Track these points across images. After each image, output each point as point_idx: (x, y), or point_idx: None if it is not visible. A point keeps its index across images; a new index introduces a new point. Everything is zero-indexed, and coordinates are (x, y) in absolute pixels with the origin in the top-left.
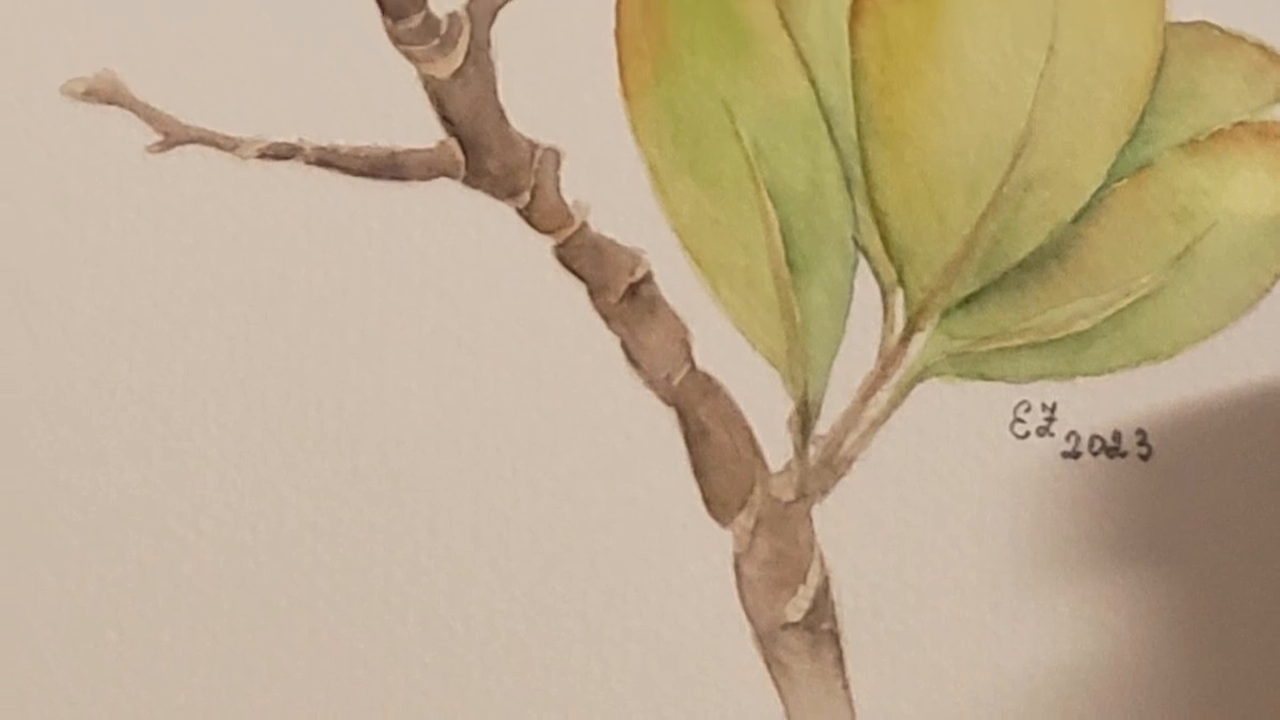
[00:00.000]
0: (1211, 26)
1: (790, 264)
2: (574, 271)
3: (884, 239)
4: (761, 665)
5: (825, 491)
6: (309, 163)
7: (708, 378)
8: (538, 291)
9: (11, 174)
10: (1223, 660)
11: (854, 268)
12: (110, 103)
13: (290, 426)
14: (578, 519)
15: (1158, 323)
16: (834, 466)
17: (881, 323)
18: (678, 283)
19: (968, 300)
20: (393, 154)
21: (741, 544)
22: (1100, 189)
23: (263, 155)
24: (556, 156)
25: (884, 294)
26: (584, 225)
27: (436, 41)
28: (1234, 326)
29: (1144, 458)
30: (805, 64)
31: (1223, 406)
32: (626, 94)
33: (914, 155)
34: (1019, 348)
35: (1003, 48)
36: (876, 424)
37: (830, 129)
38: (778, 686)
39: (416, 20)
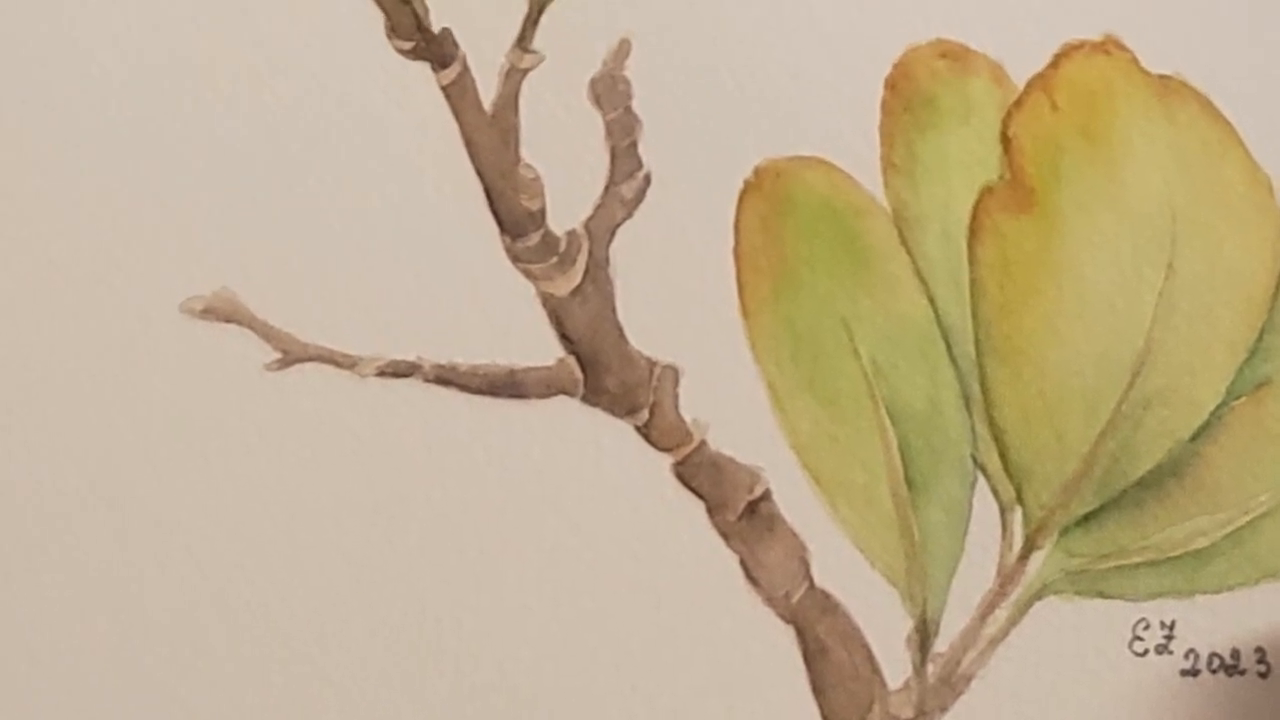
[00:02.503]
0: None
1: (909, 482)
2: (692, 489)
3: (1003, 457)
4: None
5: (944, 709)
6: (428, 380)
7: (826, 595)
8: (656, 509)
9: (131, 392)
10: None
11: (972, 485)
12: (229, 320)
13: (410, 644)
14: None
15: (1277, 540)
16: (953, 684)
17: (1000, 540)
18: (796, 500)
19: (1086, 518)
20: (511, 372)
21: None
22: (1219, 407)
23: (382, 373)
24: (675, 374)
25: (1002, 511)
26: (703, 443)
27: (555, 259)
28: None
29: (1262, 675)
30: (924, 282)
31: None
32: (745, 311)
33: (1032, 373)
34: (1138, 565)
35: (1121, 266)
36: (995, 641)
37: (949, 347)
38: None
39: (535, 238)
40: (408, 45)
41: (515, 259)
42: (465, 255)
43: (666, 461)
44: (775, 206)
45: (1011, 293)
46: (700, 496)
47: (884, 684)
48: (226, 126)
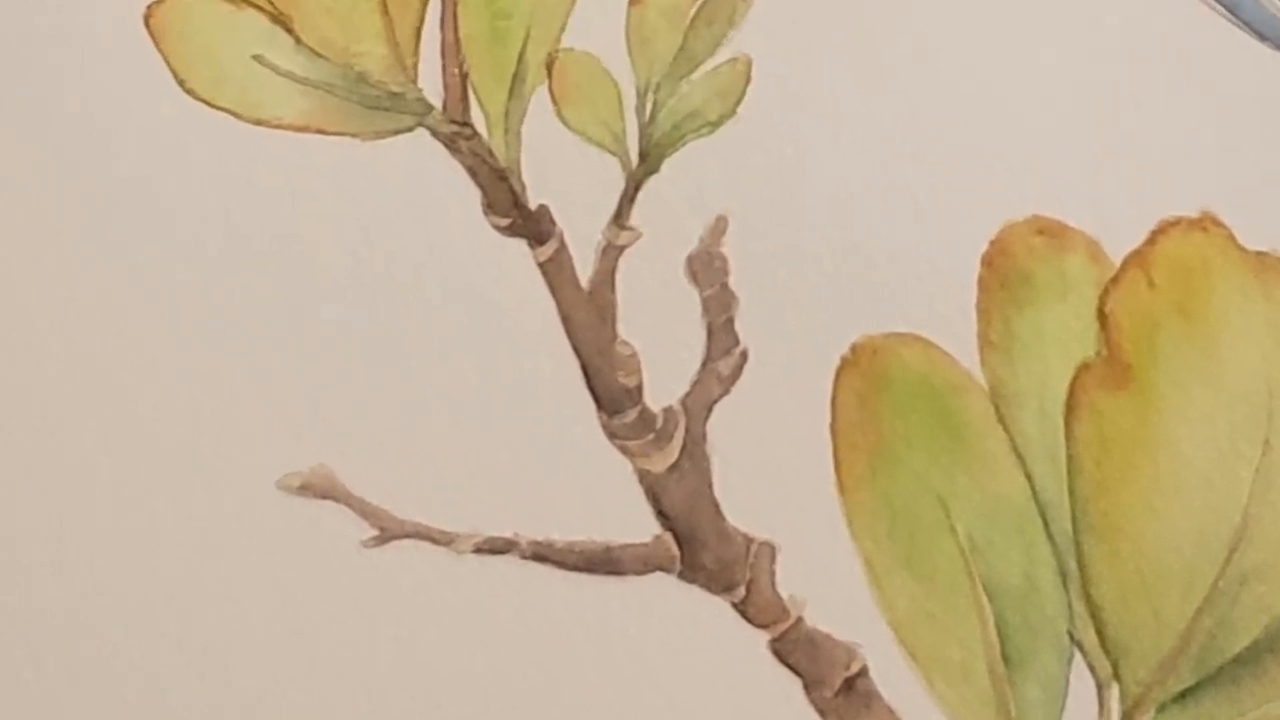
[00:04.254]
0: None
1: (1005, 658)
2: (789, 666)
3: (1099, 633)
4: None
5: None
6: (524, 557)
7: None
8: (753, 686)
9: (228, 568)
10: None
11: (1069, 662)
12: (326, 497)
13: None
14: None
15: None
16: None
17: (1097, 717)
18: (893, 677)
19: (1183, 695)
20: (608, 549)
21: None
22: None
23: (478, 550)
24: (772, 551)
25: (1099, 688)
26: (799, 620)
27: (652, 436)
28: None
29: None
30: (1021, 458)
31: None
32: (842, 488)
33: (1129, 550)
34: None
35: (1217, 442)
36: None
37: (1046, 523)
38: None
39: (632, 415)
40: (505, 222)
41: (612, 435)
42: (562, 431)
43: (763, 638)
44: (872, 383)
45: (1108, 469)
46: (797, 673)
47: None
48: (325, 303)
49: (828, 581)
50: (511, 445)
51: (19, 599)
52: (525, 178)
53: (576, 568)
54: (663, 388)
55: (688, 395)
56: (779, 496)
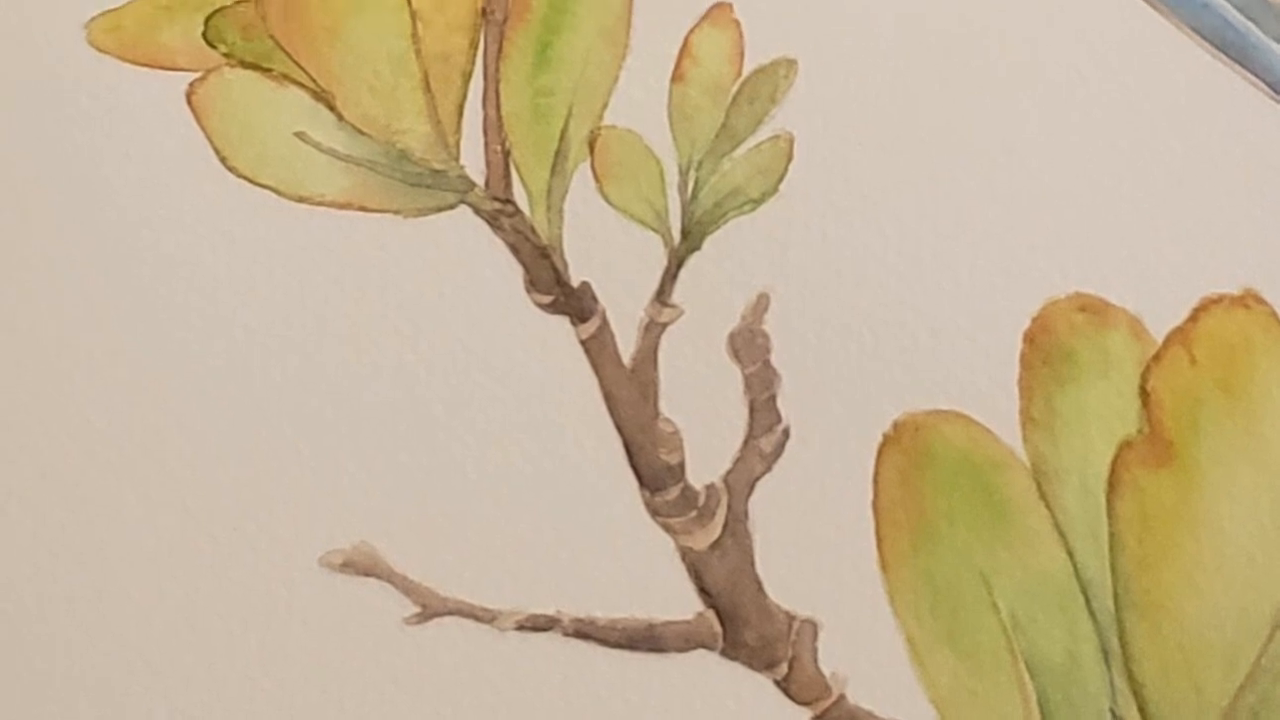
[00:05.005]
0: None
1: None
2: None
3: (1142, 711)
4: None
5: None
6: (567, 634)
7: None
8: None
9: (271, 645)
10: None
11: None
12: (368, 574)
13: None
14: None
15: None
16: None
17: None
18: None
19: None
20: (650, 626)
21: None
22: None
23: (521, 627)
24: (814, 628)
25: None
26: (842, 697)
27: (694, 513)
28: None
29: None
30: (1063, 535)
31: None
32: (884, 565)
33: (1172, 627)
34: None
35: (1260, 519)
36: None
37: (1088, 600)
38: None
39: (674, 492)
40: (547, 299)
41: (654, 513)
42: (604, 509)
43: (806, 716)
44: (914, 460)
45: (1150, 546)
46: None
47: None
48: (367, 380)
49: (870, 659)
50: (554, 522)
51: (60, 675)
52: (567, 255)
53: (619, 645)
54: (705, 465)
55: (730, 472)
56: (821, 573)
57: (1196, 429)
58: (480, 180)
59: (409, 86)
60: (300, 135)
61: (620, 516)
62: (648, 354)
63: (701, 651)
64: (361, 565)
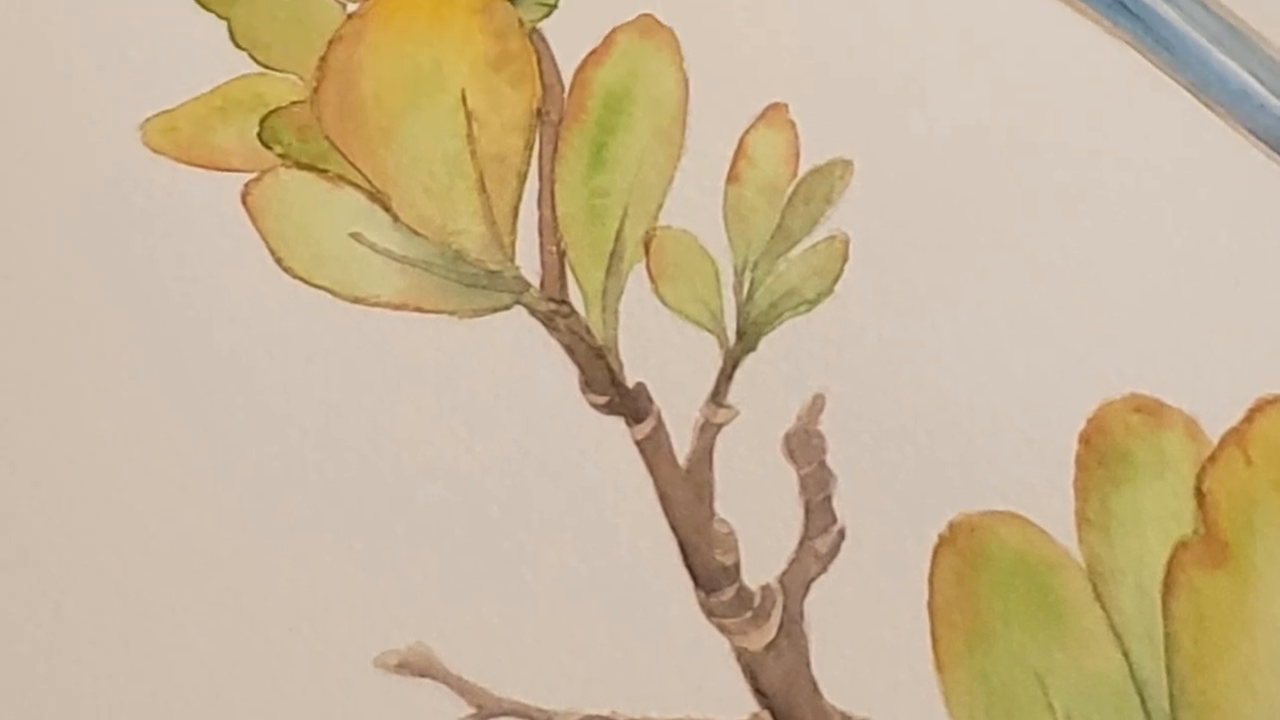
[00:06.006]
0: None
1: None
2: None
3: None
4: None
5: None
6: None
7: None
8: None
9: None
10: None
11: None
12: (423, 675)
13: None
14: None
15: None
16: None
17: None
18: None
19: None
20: None
21: None
22: None
23: None
24: None
25: None
26: None
27: (749, 614)
28: None
29: None
30: (1119, 637)
31: None
32: (940, 666)
33: None
34: None
35: None
36: None
37: (1143, 701)
38: None
39: (729, 593)
40: (602, 400)
41: (709, 613)
42: (660, 610)
43: None
44: (970, 561)
45: (1206, 648)
46: None
47: None
48: (422, 480)
49: None
50: (609, 623)
51: None
52: (622, 355)
53: None
54: (760, 566)
55: (785, 573)
56: (877, 675)
57: (1252, 530)
58: (535, 281)
59: (464, 187)
60: (355, 236)
61: (675, 617)
62: (703, 454)
63: None
64: (417, 666)
